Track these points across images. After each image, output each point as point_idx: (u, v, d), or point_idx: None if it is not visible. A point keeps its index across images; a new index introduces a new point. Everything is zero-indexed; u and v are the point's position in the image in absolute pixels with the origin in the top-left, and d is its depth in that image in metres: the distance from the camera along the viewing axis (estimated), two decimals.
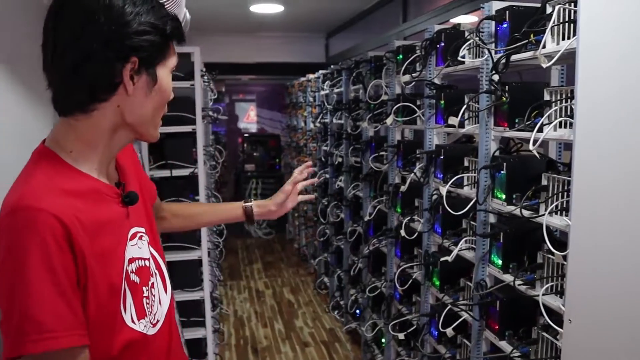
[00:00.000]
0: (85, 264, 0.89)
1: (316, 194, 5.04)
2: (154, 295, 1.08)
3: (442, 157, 2.32)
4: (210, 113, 3.49)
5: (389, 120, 2.83)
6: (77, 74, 0.92)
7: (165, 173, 2.95)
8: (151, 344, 1.04)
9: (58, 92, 0.95)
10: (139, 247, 1.06)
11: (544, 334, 1.69)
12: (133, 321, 0.99)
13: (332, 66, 4.40)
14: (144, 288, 1.04)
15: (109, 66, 0.92)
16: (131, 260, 1.02)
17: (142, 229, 1.09)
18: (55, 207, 0.86)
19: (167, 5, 1.94)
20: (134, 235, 1.05)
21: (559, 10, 1.52)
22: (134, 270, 1.02)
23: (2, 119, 1.26)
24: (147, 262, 1.07)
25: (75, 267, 0.87)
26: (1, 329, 0.85)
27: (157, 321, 1.07)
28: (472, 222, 2.12)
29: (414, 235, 2.61)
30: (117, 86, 0.94)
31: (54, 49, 0.93)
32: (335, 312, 4.43)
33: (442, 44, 2.29)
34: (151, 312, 1.05)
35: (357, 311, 3.84)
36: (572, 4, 1.49)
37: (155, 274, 1.11)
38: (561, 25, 1.54)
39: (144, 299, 1.04)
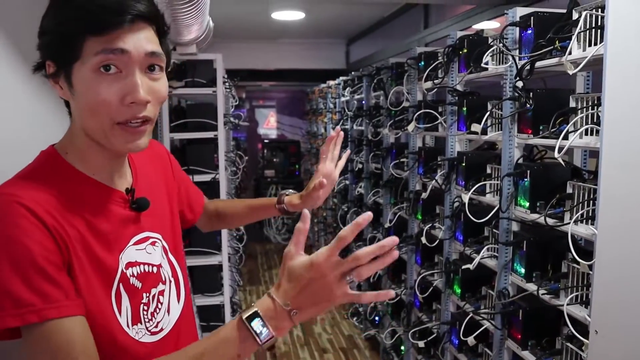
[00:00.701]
0: (67, 247, 0.89)
1: (336, 200, 5.03)
2: (161, 303, 1.06)
3: (464, 164, 2.30)
4: (232, 119, 3.52)
5: (410, 127, 2.82)
6: None
7: None
8: (148, 351, 1.00)
9: None
10: (147, 252, 1.04)
11: (568, 344, 1.66)
12: (128, 325, 0.98)
13: (352, 73, 4.41)
14: (144, 294, 1.02)
15: (44, 72, 0.94)
16: (132, 264, 1.00)
17: (158, 235, 1.08)
18: (30, 198, 0.86)
19: (189, 13, 1.96)
20: (142, 240, 1.04)
21: (585, 16, 1.50)
22: (135, 275, 1.00)
23: (29, 126, 1.28)
24: (154, 269, 1.05)
25: (57, 246, 0.87)
26: None
27: (161, 330, 1.05)
28: (494, 230, 2.10)
29: (435, 243, 2.59)
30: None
31: None
32: (354, 319, 4.41)
33: (465, 50, 2.27)
34: (150, 320, 1.03)
35: (376, 318, 3.82)
36: (600, 10, 1.47)
37: (171, 281, 1.09)
38: (587, 32, 1.52)
39: (142, 305, 1.01)
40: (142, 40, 0.90)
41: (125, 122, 0.91)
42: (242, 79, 4.12)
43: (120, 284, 0.97)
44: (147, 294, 1.02)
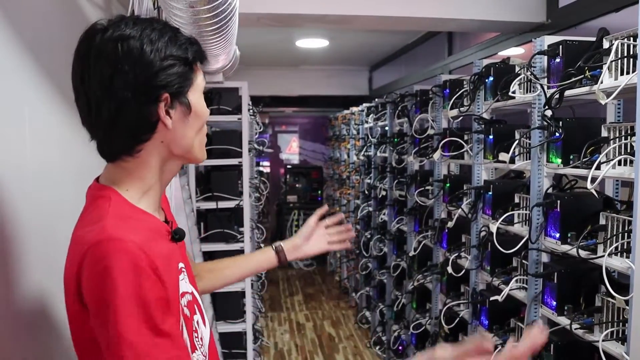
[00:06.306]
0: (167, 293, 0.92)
1: (359, 227, 5.00)
2: (199, 329, 1.09)
3: (491, 193, 2.27)
4: (256, 146, 3.54)
5: (436, 155, 2.80)
6: (115, 125, 0.93)
7: (211, 205, 2.99)
8: None
9: (102, 142, 0.97)
10: (184, 282, 1.07)
11: None
12: (190, 354, 1.01)
13: (376, 99, 4.42)
14: (192, 322, 1.06)
15: (143, 110, 0.93)
16: (182, 295, 1.03)
17: (184, 264, 1.10)
18: (139, 241, 0.88)
19: (217, 44, 1.99)
20: (180, 270, 1.06)
21: (617, 45, 1.48)
22: (185, 304, 1.04)
23: (42, 130, 1.29)
24: (190, 297, 1.08)
25: (165, 291, 0.91)
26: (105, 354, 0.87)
27: (206, 354, 1.09)
28: (523, 261, 2.05)
29: (461, 273, 2.54)
30: (156, 124, 0.96)
31: (88, 104, 0.94)
32: (377, 348, 4.33)
33: (491, 78, 2.26)
34: (202, 345, 1.07)
35: (400, 348, 3.74)
36: (632, 39, 1.45)
37: (195, 308, 1.12)
38: (619, 60, 1.50)
39: (194, 332, 1.05)
40: None
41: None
42: (265, 105, 4.16)
43: (182, 315, 1.00)
44: (194, 321, 1.07)
